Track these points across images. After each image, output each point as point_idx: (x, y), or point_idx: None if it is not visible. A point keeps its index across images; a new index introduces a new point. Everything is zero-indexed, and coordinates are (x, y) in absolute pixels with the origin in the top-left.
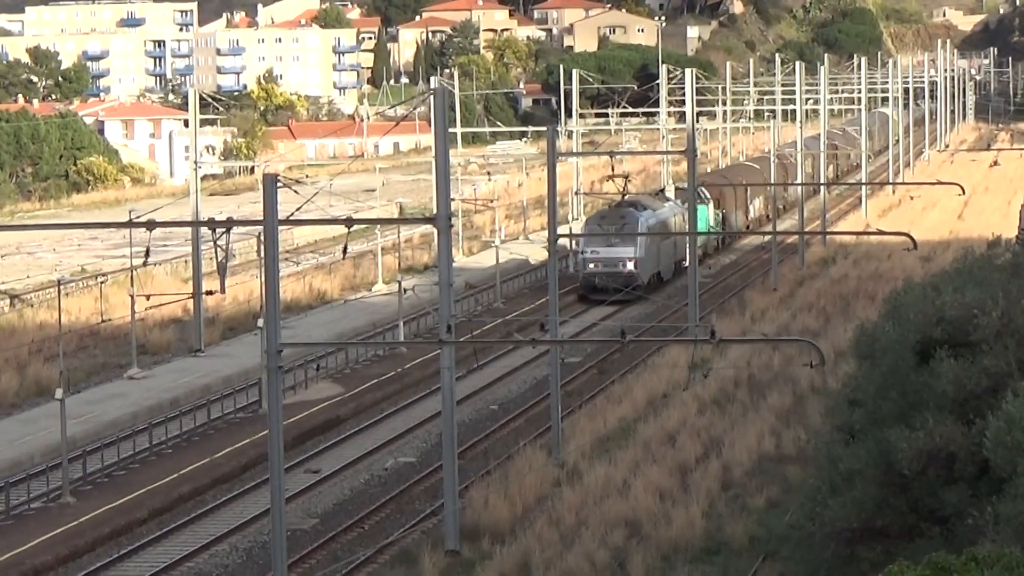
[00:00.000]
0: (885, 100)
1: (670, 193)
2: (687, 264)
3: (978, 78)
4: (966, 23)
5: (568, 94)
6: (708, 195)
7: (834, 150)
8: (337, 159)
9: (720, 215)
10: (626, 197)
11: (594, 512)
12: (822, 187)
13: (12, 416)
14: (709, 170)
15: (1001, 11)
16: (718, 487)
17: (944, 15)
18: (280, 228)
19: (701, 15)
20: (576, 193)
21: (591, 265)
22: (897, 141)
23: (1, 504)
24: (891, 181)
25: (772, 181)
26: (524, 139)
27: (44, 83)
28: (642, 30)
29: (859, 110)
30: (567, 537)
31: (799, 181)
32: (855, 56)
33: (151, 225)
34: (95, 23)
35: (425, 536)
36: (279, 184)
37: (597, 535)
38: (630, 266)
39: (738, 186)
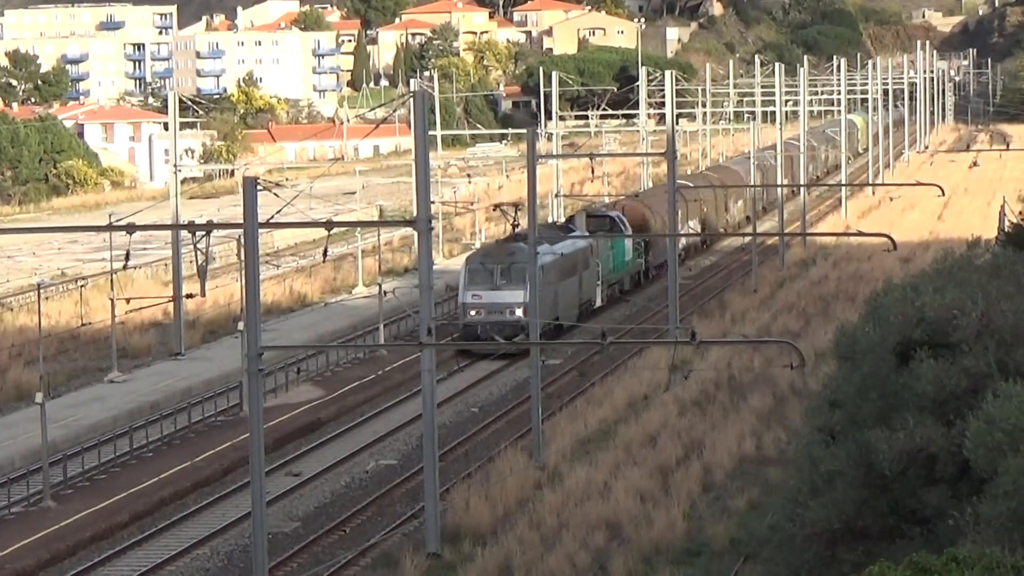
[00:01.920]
0: (864, 102)
1: (584, 220)
2: (598, 304)
3: (957, 79)
4: (945, 24)
5: (548, 96)
6: (627, 224)
7: (813, 151)
8: (317, 162)
9: (642, 246)
10: (518, 230)
11: (575, 514)
12: (802, 188)
13: None
14: (689, 171)
15: (980, 12)
16: (699, 489)
17: (923, 16)
18: (260, 231)
19: (680, 17)
20: (556, 195)
21: (472, 312)
22: (866, 149)
23: None
24: (871, 182)
25: (752, 183)
26: (504, 141)
27: (23, 86)
28: (622, 32)
29: (839, 111)
30: (548, 539)
31: (778, 182)
32: (834, 58)
33: (131, 228)
34: (74, 26)
35: (406, 539)
36: (259, 187)
37: (578, 537)
38: (518, 313)
39: (718, 187)
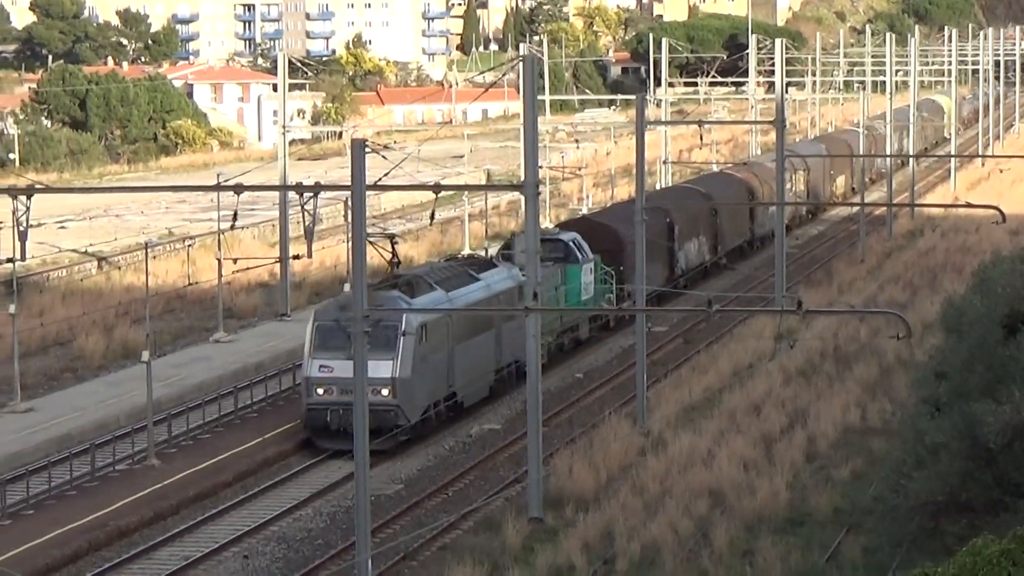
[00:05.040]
0: (976, 72)
1: (544, 245)
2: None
3: None
4: None
5: (657, 63)
6: (585, 250)
7: (923, 122)
8: (425, 125)
9: (612, 276)
10: (400, 269)
11: (678, 481)
12: (911, 159)
13: (99, 378)
14: (797, 140)
15: None
16: (802, 458)
17: None
18: (368, 193)
19: None
20: (664, 162)
21: (319, 391)
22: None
23: (87, 466)
24: (980, 154)
25: (861, 153)
26: (613, 107)
27: (133, 46)
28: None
29: (949, 82)
30: (651, 506)
31: (887, 153)
32: (946, 28)
33: (239, 189)
34: None
35: (508, 503)
36: (367, 149)
37: (681, 504)
38: (385, 393)
39: (826, 157)
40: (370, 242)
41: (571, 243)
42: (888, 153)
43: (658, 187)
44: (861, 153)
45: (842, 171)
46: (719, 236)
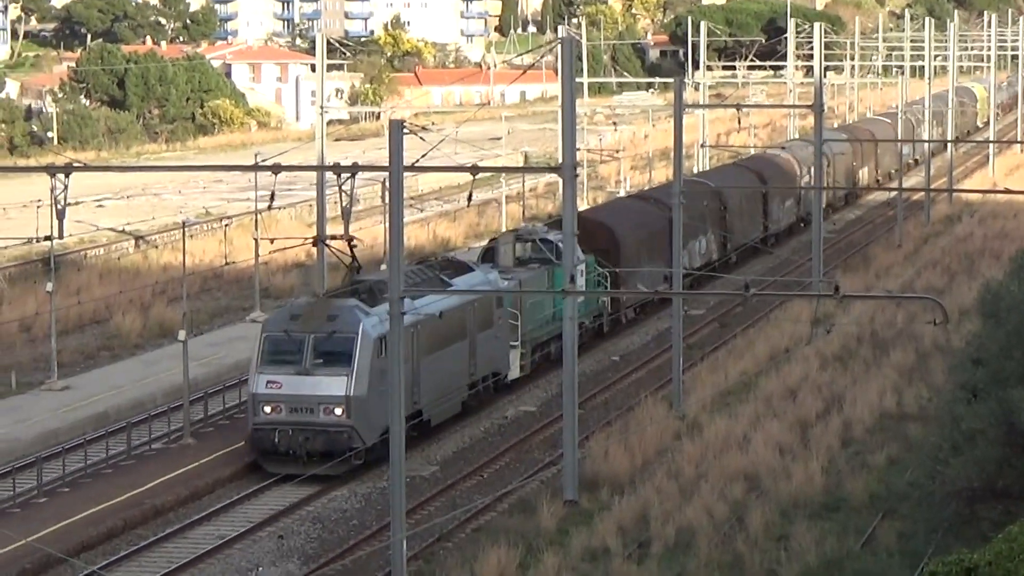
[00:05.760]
0: (1015, 58)
1: (511, 249)
2: (515, 375)
3: None
4: None
5: (696, 46)
6: (577, 251)
7: (962, 107)
8: (463, 107)
9: (606, 278)
10: (361, 272)
11: (714, 465)
12: (949, 144)
13: (135, 357)
14: (836, 125)
15: None
16: (838, 443)
17: None
18: (405, 174)
19: None
20: (702, 145)
21: (266, 409)
22: (986, 123)
23: (123, 444)
24: (1020, 139)
25: (899, 137)
26: (651, 90)
27: (172, 25)
28: None
29: (988, 67)
30: (686, 490)
31: (926, 138)
32: (985, 12)
33: (276, 169)
34: None
35: (544, 486)
36: (405, 131)
37: (716, 488)
38: (338, 412)
39: (864, 141)
40: (327, 246)
41: (560, 243)
42: (927, 138)
43: (695, 171)
44: (900, 138)
45: (866, 162)
46: (728, 230)
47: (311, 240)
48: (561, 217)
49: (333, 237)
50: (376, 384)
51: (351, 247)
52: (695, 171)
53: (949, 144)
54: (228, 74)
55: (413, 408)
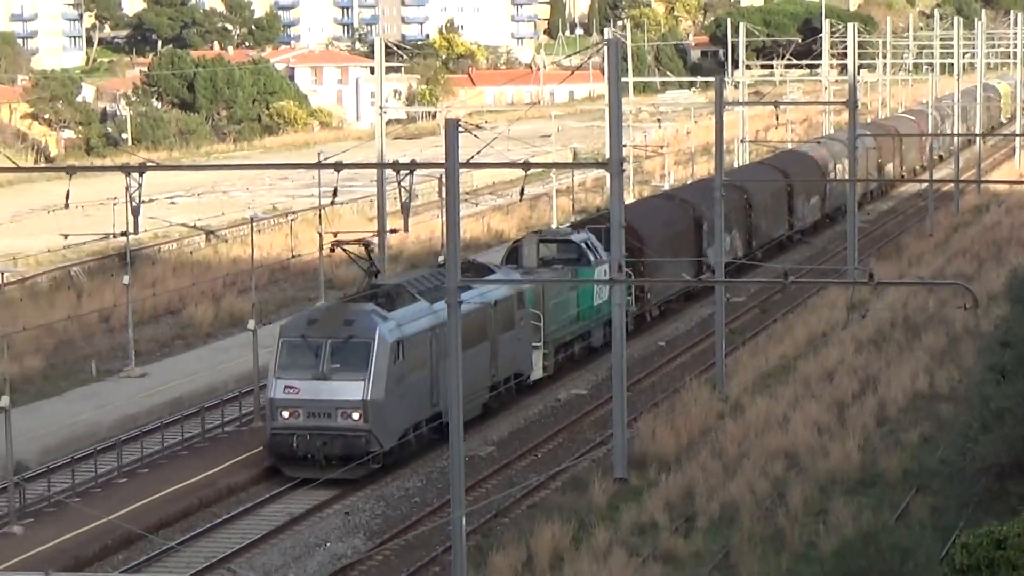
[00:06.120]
0: None
1: (534, 250)
2: (538, 375)
3: None
4: None
5: (735, 46)
6: (600, 252)
7: (989, 103)
8: (514, 106)
9: (630, 275)
10: (379, 277)
11: (755, 444)
12: (977, 138)
13: (207, 345)
14: (869, 120)
15: None
16: (873, 423)
17: None
18: (460, 170)
19: None
20: (742, 141)
21: (284, 413)
22: (1010, 118)
23: (197, 427)
24: None
25: (929, 132)
26: (693, 89)
27: (238, 31)
28: None
29: (1016, 64)
30: (729, 467)
31: (955, 132)
32: (1011, 11)
33: (339, 166)
34: None
35: (595, 464)
36: (460, 129)
37: (758, 466)
38: (355, 417)
39: (895, 136)
40: (343, 249)
41: (583, 244)
42: (955, 132)
43: (735, 165)
44: (929, 132)
45: (890, 159)
46: (753, 229)
47: (330, 246)
48: (584, 219)
49: (393, 230)
50: (393, 388)
51: (368, 251)
52: (735, 165)
53: (977, 138)
54: (291, 77)
55: (433, 411)
